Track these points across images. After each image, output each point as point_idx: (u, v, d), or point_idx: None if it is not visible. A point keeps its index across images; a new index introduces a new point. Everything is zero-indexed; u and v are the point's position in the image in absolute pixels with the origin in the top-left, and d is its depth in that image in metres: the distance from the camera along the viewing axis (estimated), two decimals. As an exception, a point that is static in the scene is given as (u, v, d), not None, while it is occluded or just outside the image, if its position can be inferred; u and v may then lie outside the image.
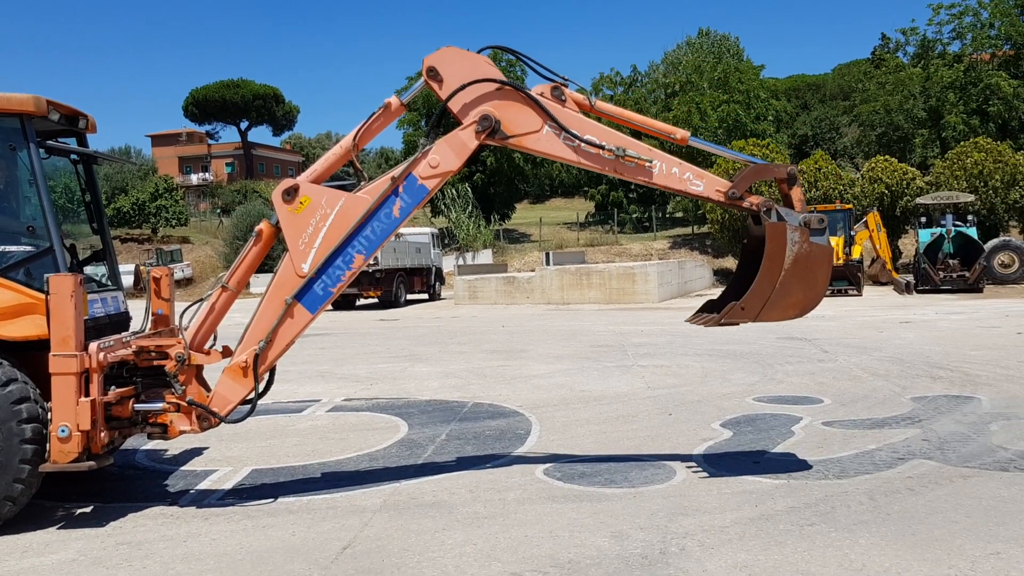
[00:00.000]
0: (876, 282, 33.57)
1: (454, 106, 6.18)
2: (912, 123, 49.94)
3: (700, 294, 34.37)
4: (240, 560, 5.12)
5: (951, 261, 30.04)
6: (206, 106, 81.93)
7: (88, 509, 6.28)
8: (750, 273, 6.29)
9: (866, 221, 32.57)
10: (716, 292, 35.72)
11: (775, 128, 48.43)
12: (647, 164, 6.28)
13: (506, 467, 7.21)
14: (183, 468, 7.46)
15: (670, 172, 6.32)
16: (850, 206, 33.91)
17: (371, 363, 14.67)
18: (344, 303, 31.03)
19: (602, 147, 6.23)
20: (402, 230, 36.66)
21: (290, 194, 6.11)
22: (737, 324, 6.37)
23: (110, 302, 6.75)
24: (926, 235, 30.77)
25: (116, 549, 5.37)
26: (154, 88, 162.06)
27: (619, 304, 28.48)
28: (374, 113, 6.26)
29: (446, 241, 47.11)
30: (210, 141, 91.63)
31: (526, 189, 61.60)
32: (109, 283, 7.01)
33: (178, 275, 43.57)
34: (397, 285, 31.17)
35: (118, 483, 7.07)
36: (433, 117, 6.45)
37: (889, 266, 33.44)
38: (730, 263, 42.55)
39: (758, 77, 50.46)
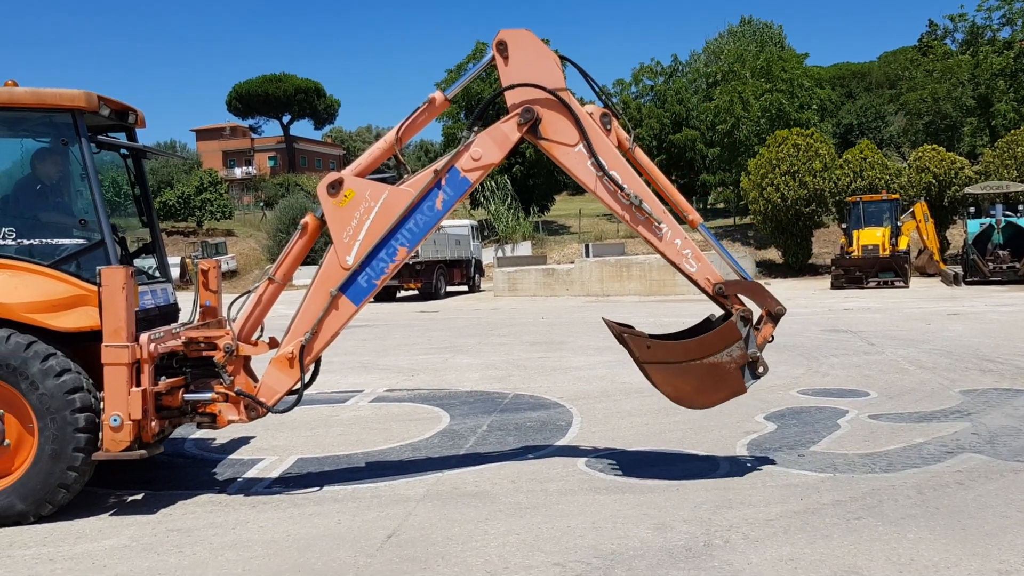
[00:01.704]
0: (923, 273, 32.96)
1: (507, 95, 6.21)
2: (960, 111, 48.90)
3: (742, 286, 34.03)
4: (287, 547, 5.20)
5: (1001, 252, 29.35)
6: (249, 100, 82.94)
7: (139, 496, 6.43)
8: (686, 335, 6.45)
9: (913, 211, 32.02)
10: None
11: (819, 117, 47.67)
12: (656, 223, 6.28)
13: (548, 458, 7.23)
14: (231, 456, 7.59)
15: (672, 242, 6.33)
16: (896, 196, 33.35)
17: (412, 354, 14.77)
18: (385, 295, 31.24)
19: (622, 188, 6.23)
20: (442, 222, 36.75)
21: (335, 187, 6.17)
22: (627, 348, 6.34)
23: (159, 294, 6.88)
24: (975, 225, 30.12)
25: (166, 535, 5.49)
26: (198, 83, 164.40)
27: (660, 296, 28.31)
28: (418, 108, 6.31)
29: (485, 233, 47.20)
30: (253, 135, 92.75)
31: (565, 181, 61.24)
32: (158, 275, 7.15)
33: (223, 267, 44.24)
34: (437, 277, 31.33)
35: (168, 471, 7.22)
36: (476, 109, 6.47)
37: (937, 257, 32.80)
38: (773, 254, 42.11)
39: (802, 65, 49.63)
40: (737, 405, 9.17)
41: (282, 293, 6.49)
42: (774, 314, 6.29)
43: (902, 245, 30.68)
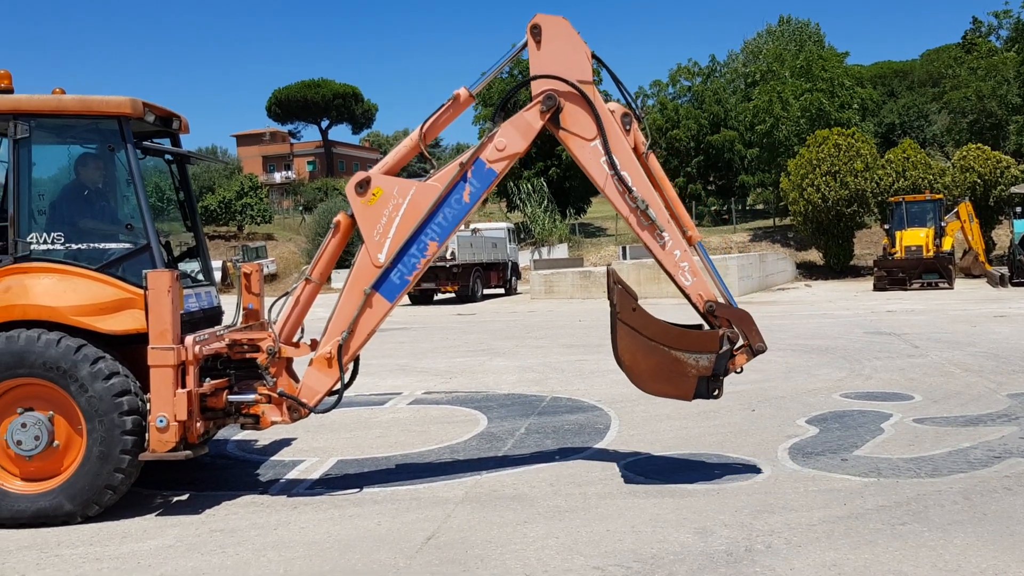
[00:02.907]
0: (968, 275, 32.32)
1: (535, 84, 6.25)
2: (1006, 109, 47.89)
3: (783, 288, 33.70)
4: (328, 548, 5.25)
5: (1049, 252, 28.70)
6: (288, 106, 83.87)
7: (184, 497, 6.53)
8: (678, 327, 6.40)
9: (957, 212, 31.41)
10: (799, 285, 34.83)
11: (860, 116, 46.99)
12: (659, 231, 6.24)
13: (586, 461, 7.21)
14: (272, 458, 7.68)
15: (672, 252, 6.29)
16: (940, 196, 32.78)
17: (449, 357, 14.83)
18: (422, 297, 31.45)
19: (631, 190, 6.21)
20: (478, 225, 36.97)
21: (363, 187, 6.25)
22: (613, 300, 6.31)
23: (204, 297, 6.98)
24: (1022, 226, 29.44)
25: (210, 536, 5.57)
26: (239, 90, 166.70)
27: (698, 298, 28.02)
28: (443, 105, 6.36)
29: (522, 236, 47.22)
30: (292, 140, 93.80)
31: (602, 183, 61.31)
32: (202, 279, 7.26)
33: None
34: (474, 280, 31.40)
35: (211, 472, 7.32)
36: (499, 100, 6.47)
37: (982, 258, 32.13)
38: (813, 256, 41.58)
39: (842, 64, 48.96)
40: (778, 408, 9.11)
41: (320, 296, 6.56)
42: (754, 348, 6.26)
43: (946, 246, 30.13)
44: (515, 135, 6.29)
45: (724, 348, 6.18)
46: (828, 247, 39.30)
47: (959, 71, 51.51)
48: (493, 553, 5.06)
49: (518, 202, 50.42)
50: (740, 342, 6.27)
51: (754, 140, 48.87)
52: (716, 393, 6.28)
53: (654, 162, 6.56)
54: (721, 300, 6.32)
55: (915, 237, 29.53)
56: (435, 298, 32.26)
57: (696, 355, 6.16)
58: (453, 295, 31.44)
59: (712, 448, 7.50)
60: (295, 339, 6.49)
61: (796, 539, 5.13)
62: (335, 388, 6.39)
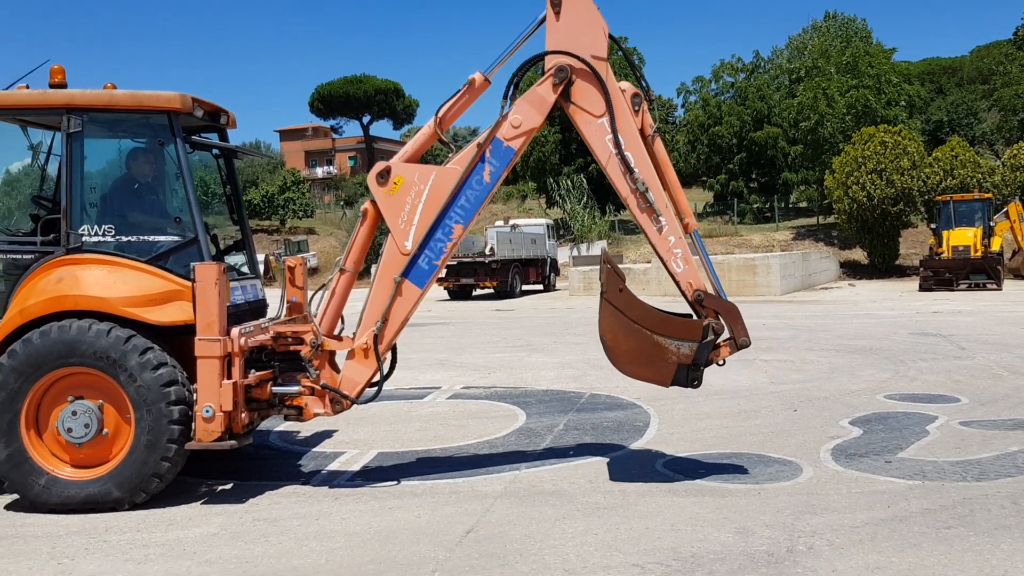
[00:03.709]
0: (1017, 275, 31.65)
1: (548, 59, 6.28)
2: (1059, 107, 46.71)
3: (826, 287, 33.25)
4: (369, 539, 5.31)
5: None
6: (331, 102, 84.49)
7: (228, 486, 6.64)
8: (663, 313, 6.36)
9: (1007, 211, 30.76)
10: (842, 285, 34.32)
11: (907, 114, 46.12)
12: (656, 215, 6.22)
13: (625, 458, 7.20)
14: (314, 449, 7.77)
15: (666, 238, 6.27)
16: (990, 195, 32.07)
17: (488, 352, 14.87)
18: (461, 293, 31.55)
19: (632, 171, 6.19)
20: (518, 221, 36.96)
21: (383, 176, 6.32)
22: (602, 279, 6.24)
23: (249, 290, 7.08)
24: (1074, 226, 28.76)
25: (253, 525, 5.66)
26: (282, 85, 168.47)
27: (739, 296, 27.80)
28: (458, 90, 6.41)
29: (561, 232, 47.14)
30: (334, 136, 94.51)
31: (642, 179, 61.01)
32: (248, 272, 7.36)
33: (304, 265, 45.25)
34: (512, 276, 31.42)
35: (255, 462, 7.43)
36: (512, 77, 6.45)
37: (1033, 258, 31.44)
38: (858, 255, 40.95)
39: (889, 61, 48.05)
40: (821, 409, 9.01)
41: (355, 291, 6.61)
42: (738, 342, 6.23)
43: (995, 246, 29.51)
44: (530, 110, 6.32)
45: (708, 338, 6.17)
46: (873, 246, 38.68)
47: (1010, 68, 50.33)
48: (532, 548, 5.08)
49: (558, 198, 50.32)
50: (726, 334, 6.25)
51: (798, 137, 48.19)
52: (695, 383, 6.27)
53: (659, 146, 6.54)
54: (711, 291, 6.28)
55: (963, 237, 28.96)
56: (474, 294, 32.35)
57: (678, 342, 6.16)
58: (492, 291, 31.51)
59: (753, 448, 7.44)
60: (336, 331, 6.57)
61: (839, 541, 5.07)
62: (375, 380, 6.46)
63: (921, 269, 29.86)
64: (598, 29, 6.26)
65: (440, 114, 6.40)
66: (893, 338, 15.24)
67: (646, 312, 6.23)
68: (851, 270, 39.79)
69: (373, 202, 6.41)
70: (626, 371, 6.40)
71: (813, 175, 47.61)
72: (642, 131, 6.39)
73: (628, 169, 6.21)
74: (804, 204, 54.92)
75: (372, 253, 6.87)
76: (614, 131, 6.21)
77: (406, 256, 6.29)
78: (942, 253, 29.30)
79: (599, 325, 6.32)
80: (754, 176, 55.15)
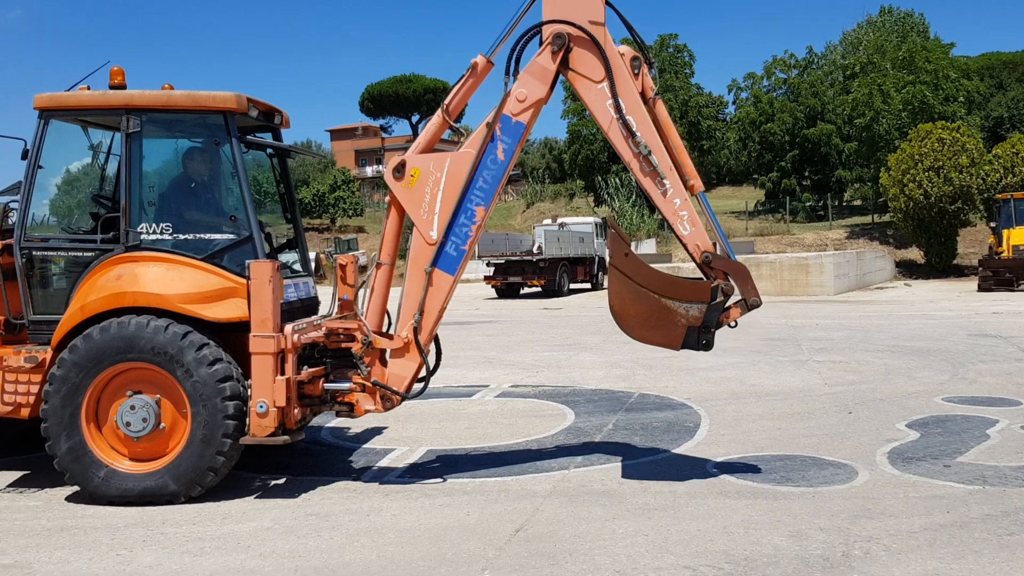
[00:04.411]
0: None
1: (545, 29, 6.27)
2: None
3: (881, 287, 32.61)
4: (419, 536, 5.33)
5: None
6: (380, 101, 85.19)
7: (281, 481, 6.73)
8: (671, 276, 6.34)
9: (1071, 209, 29.77)
10: (898, 285, 33.61)
11: (966, 110, 44.97)
12: (660, 178, 6.16)
13: (675, 459, 7.13)
14: (364, 446, 7.84)
15: (671, 201, 6.22)
16: (1053, 193, 31.10)
17: (536, 351, 14.86)
18: (508, 291, 31.57)
19: (634, 135, 6.15)
20: (566, 219, 36.87)
21: (399, 170, 6.38)
22: (608, 246, 6.32)
23: (302, 287, 7.17)
24: None
25: (306, 519, 5.72)
26: (333, 85, 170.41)
27: (791, 296, 27.44)
28: (462, 76, 6.43)
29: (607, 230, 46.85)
30: (384, 135, 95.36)
31: (692, 178, 60.39)
32: (300, 270, 7.45)
33: (354, 263, 45.75)
34: (560, 274, 31.37)
35: (307, 458, 7.52)
36: (509, 54, 6.43)
37: (1097, 259, 30.40)
38: (914, 254, 40.10)
39: (947, 56, 46.90)
40: (877, 411, 8.83)
41: (394, 290, 6.63)
42: (749, 303, 6.19)
43: (1058, 245, 28.63)
44: (533, 82, 6.31)
45: (717, 300, 6.10)
46: (930, 245, 37.83)
47: (1075, 61, 48.73)
48: (582, 548, 5.06)
49: (606, 197, 50.14)
50: (736, 296, 6.19)
51: (852, 134, 47.33)
52: (706, 344, 6.20)
53: (661, 108, 6.45)
54: (719, 252, 6.21)
55: (1024, 236, 28.18)
56: (521, 292, 32.36)
57: (687, 305, 6.09)
58: (539, 289, 31.48)
59: (807, 450, 7.31)
60: (384, 327, 6.62)
61: (896, 546, 4.96)
62: (421, 375, 6.51)
63: (980, 269, 29.11)
64: None
65: (447, 102, 6.47)
66: (951, 339, 14.88)
67: (653, 275, 6.21)
68: (907, 270, 38.95)
69: (394, 197, 6.47)
70: (635, 335, 6.36)
71: (868, 173, 46.71)
72: (643, 94, 6.35)
73: (630, 133, 6.18)
74: (858, 202, 53.91)
75: (407, 241, 6.95)
76: (614, 95, 6.19)
77: (433, 246, 6.35)
78: (1002, 252, 28.55)
79: (608, 292, 6.33)
80: (807, 174, 54.31)
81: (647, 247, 46.01)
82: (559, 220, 35.82)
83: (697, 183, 6.41)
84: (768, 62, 55.98)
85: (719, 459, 7.08)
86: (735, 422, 8.54)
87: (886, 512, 5.58)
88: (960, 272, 37.70)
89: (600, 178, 50.47)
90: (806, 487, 6.21)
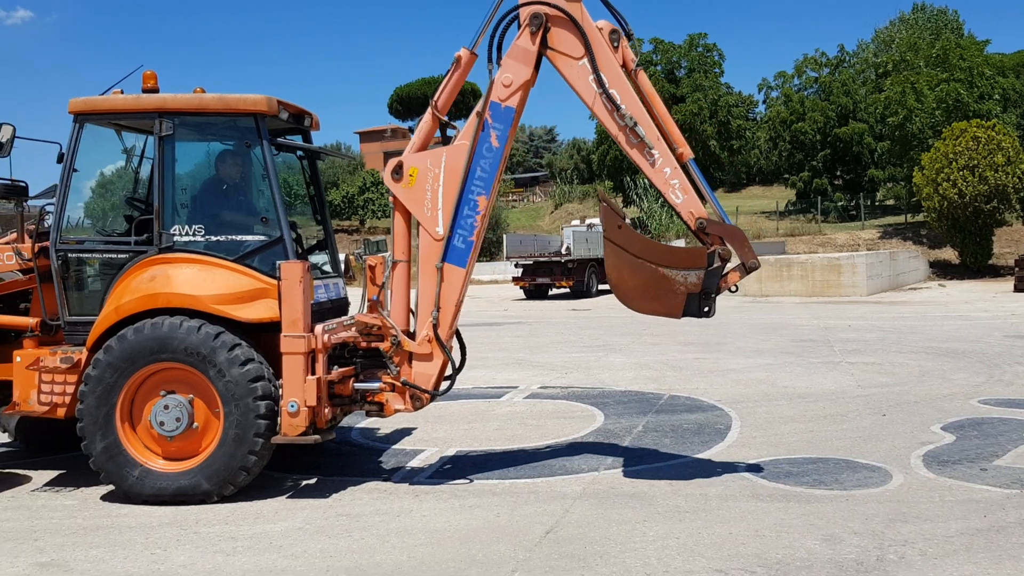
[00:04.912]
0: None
1: (522, 11, 6.30)
2: None
3: (915, 287, 32.17)
4: (449, 537, 5.34)
5: None
6: (409, 103, 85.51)
7: (312, 481, 6.76)
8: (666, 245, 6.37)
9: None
10: (932, 285, 33.14)
11: (1002, 108, 44.18)
12: (648, 148, 6.16)
13: (706, 462, 7.08)
14: (394, 446, 7.86)
15: (662, 170, 6.22)
16: (1092, 192, 30.50)
17: (565, 352, 14.82)
18: (536, 292, 31.54)
19: (619, 108, 6.16)
20: (594, 220, 36.74)
21: (398, 172, 6.46)
22: (601, 219, 6.31)
23: (331, 288, 7.21)
24: None
25: (337, 520, 5.75)
26: (362, 87, 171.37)
27: (823, 297, 27.16)
28: (448, 71, 6.51)
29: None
30: (412, 136, 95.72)
31: (721, 177, 59.90)
32: (330, 270, 7.49)
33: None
34: (589, 275, 31.28)
35: (337, 458, 7.56)
36: (490, 40, 6.45)
37: None
38: (948, 254, 39.50)
39: (982, 53, 46.14)
40: (911, 414, 8.71)
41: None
42: (747, 266, 6.18)
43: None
44: (516, 65, 6.35)
45: (715, 265, 6.07)
46: (964, 245, 37.25)
47: (1114, 58, 47.77)
48: (612, 550, 5.03)
49: (634, 197, 49.92)
50: (735, 260, 6.19)
51: (885, 133, 46.76)
52: (708, 311, 6.17)
53: (644, 79, 6.43)
54: (713, 217, 6.19)
55: (1063, 235, 27.68)
56: (549, 293, 32.32)
57: (684, 272, 6.08)
58: (567, 290, 31.42)
59: (839, 453, 7.23)
60: (410, 325, 6.65)
61: (932, 551, 4.89)
62: (448, 373, 6.53)
63: (1017, 269, 28.68)
64: None
65: (435, 99, 6.54)
66: (987, 341, 14.64)
67: (648, 245, 6.22)
68: (941, 270, 38.38)
69: (396, 199, 6.52)
70: (635, 307, 6.34)
71: (901, 172, 46.10)
72: (624, 66, 6.34)
73: (615, 106, 6.20)
74: (891, 202, 53.23)
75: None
76: (595, 70, 6.20)
77: (440, 241, 6.40)
78: (1040, 252, 28.04)
79: (604, 266, 6.34)
80: (838, 173, 53.72)
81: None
82: (587, 221, 35.72)
83: (686, 150, 6.39)
84: (799, 61, 55.41)
85: (751, 461, 7.01)
86: (767, 424, 8.46)
87: (921, 516, 5.50)
88: (996, 272, 37.07)
89: (628, 178, 50.21)
90: (839, 490, 6.14)
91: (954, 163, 35.27)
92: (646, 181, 47.82)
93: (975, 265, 37.30)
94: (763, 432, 8.11)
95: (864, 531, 5.23)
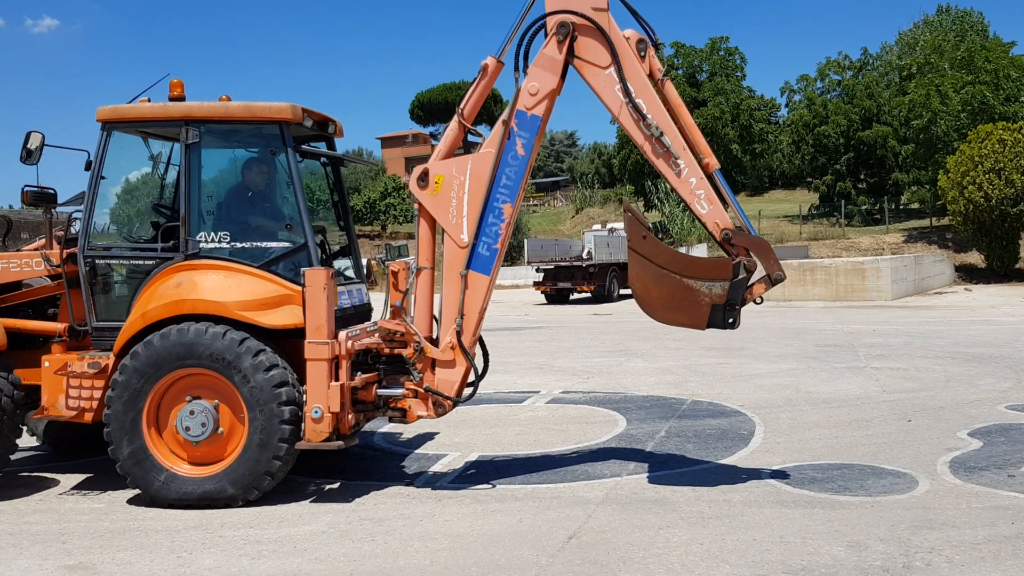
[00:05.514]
0: None
1: (549, 20, 6.30)
2: None
3: (940, 292, 31.85)
4: (472, 542, 5.35)
5: None
6: (430, 108, 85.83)
7: (335, 485, 6.80)
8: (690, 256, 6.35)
9: None
10: (957, 290, 32.79)
11: (1029, 109, 43.76)
12: (674, 159, 6.14)
13: (729, 467, 7.05)
14: (416, 451, 7.89)
15: (687, 180, 6.19)
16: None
17: (586, 357, 14.81)
18: (558, 297, 31.55)
19: (645, 118, 6.14)
20: (616, 224, 36.70)
21: (423, 179, 6.48)
22: (626, 228, 6.31)
23: (355, 294, 7.26)
24: None
25: (360, 524, 5.78)
26: (383, 93, 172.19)
27: (847, 301, 26.94)
28: (475, 79, 6.49)
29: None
30: (434, 142, 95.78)
31: (743, 181, 59.64)
32: (354, 276, 7.54)
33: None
34: (610, 279, 31.26)
35: (360, 463, 7.60)
36: (517, 48, 6.45)
37: None
38: (974, 258, 39.09)
39: (1008, 55, 45.65)
40: (937, 419, 8.62)
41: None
42: (773, 277, 6.14)
43: None
44: (543, 74, 6.34)
45: (740, 276, 6.05)
46: (991, 249, 36.85)
47: None
48: (635, 556, 5.02)
49: (656, 201, 49.79)
50: (760, 272, 6.15)
51: (909, 136, 46.36)
52: (732, 322, 6.14)
53: (670, 89, 6.42)
54: (739, 228, 6.18)
55: (1092, 239, 27.30)
56: (571, 298, 32.31)
57: (709, 283, 6.05)
58: (589, 295, 31.39)
59: (865, 459, 7.17)
60: (434, 332, 6.67)
61: (959, 558, 4.84)
62: (470, 379, 6.55)
63: (1045, 273, 28.26)
64: None
65: (461, 107, 6.54)
66: (1014, 345, 14.47)
67: (673, 256, 6.21)
68: (967, 274, 37.98)
69: (422, 206, 6.54)
70: (660, 318, 6.34)
71: (926, 175, 45.69)
72: (651, 76, 6.33)
73: (641, 116, 6.19)
74: (916, 205, 52.76)
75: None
76: (622, 80, 6.19)
77: (465, 248, 6.41)
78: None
79: (628, 276, 6.33)
80: (862, 176, 53.30)
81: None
82: (609, 225, 35.71)
83: (712, 161, 6.37)
84: (821, 64, 55.12)
85: (775, 467, 6.97)
86: (791, 430, 8.41)
87: (948, 523, 5.45)
88: (1022, 276, 36.63)
89: (650, 183, 50.11)
90: (865, 496, 6.09)
91: (980, 166, 34.93)
92: (667, 185, 47.85)
93: (1001, 269, 36.89)
94: (787, 438, 8.06)
95: (890, 538, 5.19)
